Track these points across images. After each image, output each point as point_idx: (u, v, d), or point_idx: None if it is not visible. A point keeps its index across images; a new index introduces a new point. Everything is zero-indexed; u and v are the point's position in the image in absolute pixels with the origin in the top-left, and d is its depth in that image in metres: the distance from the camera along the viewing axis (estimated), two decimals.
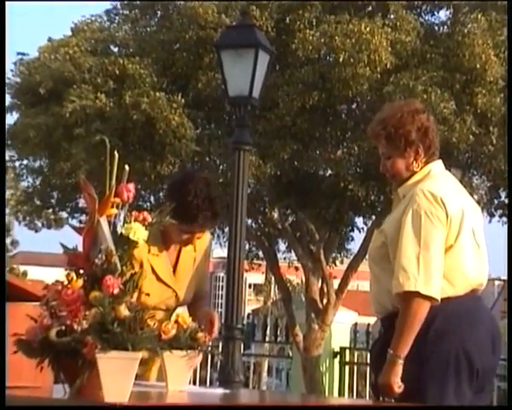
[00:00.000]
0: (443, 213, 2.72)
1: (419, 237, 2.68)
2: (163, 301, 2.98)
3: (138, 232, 2.28)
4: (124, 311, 2.10)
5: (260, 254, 14.83)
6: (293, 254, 14.66)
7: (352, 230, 13.12)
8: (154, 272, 3.00)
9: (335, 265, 14.84)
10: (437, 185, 2.78)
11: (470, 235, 2.80)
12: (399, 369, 2.63)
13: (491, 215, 12.97)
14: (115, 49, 12.78)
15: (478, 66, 10.69)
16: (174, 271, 3.09)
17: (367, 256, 3.02)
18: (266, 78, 7.50)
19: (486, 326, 2.77)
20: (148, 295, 2.53)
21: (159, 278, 3.02)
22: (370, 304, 2.90)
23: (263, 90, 7.49)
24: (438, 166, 2.87)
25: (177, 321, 2.42)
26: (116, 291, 2.13)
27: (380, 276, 2.80)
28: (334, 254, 14.34)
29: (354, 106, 12.09)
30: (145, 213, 2.42)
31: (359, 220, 12.90)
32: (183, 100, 11.30)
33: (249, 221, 12.95)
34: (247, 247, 14.13)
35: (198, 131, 11.78)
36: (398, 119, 2.81)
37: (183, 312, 2.78)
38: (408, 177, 2.84)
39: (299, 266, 14.28)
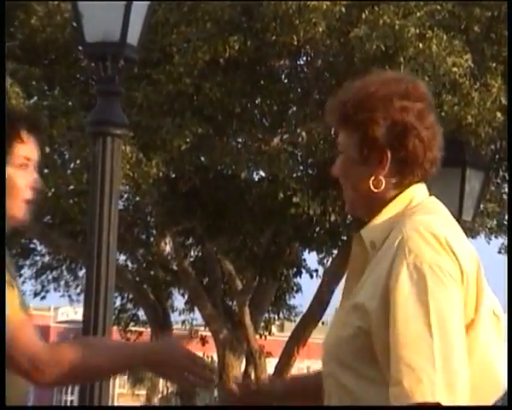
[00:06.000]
0: (455, 266, 2.77)
1: (427, 310, 2.71)
2: None
3: None
4: None
5: (142, 314, 14.85)
6: (197, 314, 14.70)
7: (299, 273, 13.22)
8: None
9: (270, 333, 14.92)
10: (434, 220, 2.82)
11: (490, 303, 2.87)
12: None
13: None
14: None
15: None
16: None
17: (323, 350, 3.03)
18: (150, 12, 7.49)
19: None
20: None
21: None
22: None
23: (145, 32, 7.46)
24: (422, 191, 2.93)
25: None
26: None
27: (352, 386, 2.81)
28: (267, 315, 14.45)
29: (302, 62, 12.21)
30: None
31: (311, 257, 13.00)
32: (5, 47, 11.18)
33: (122, 258, 12.93)
34: (117, 302, 14.09)
35: (32, 100, 11.70)
36: (366, 96, 2.85)
37: None
38: (375, 204, 2.88)
39: (209, 335, 14.31)
